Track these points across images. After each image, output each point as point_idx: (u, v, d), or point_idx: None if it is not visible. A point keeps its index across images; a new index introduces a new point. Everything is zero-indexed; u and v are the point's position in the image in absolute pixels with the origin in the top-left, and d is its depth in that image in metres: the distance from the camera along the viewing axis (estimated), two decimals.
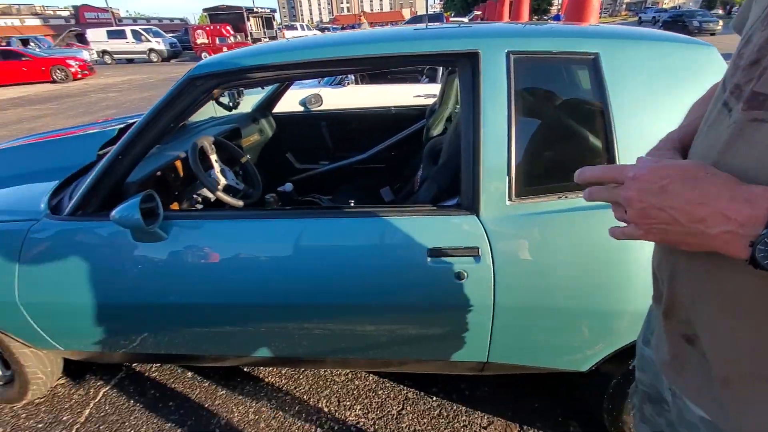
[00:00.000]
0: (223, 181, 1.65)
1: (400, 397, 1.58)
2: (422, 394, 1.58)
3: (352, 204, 1.43)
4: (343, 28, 36.54)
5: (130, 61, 22.65)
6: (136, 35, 22.24)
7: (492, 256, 1.06)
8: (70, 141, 2.06)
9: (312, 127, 2.75)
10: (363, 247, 1.14)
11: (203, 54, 21.46)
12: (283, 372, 1.72)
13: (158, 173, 1.53)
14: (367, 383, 1.65)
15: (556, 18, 22.03)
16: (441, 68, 3.81)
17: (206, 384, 1.67)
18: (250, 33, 25.86)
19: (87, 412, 1.57)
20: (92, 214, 1.25)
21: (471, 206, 1.07)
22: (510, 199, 1.05)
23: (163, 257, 1.19)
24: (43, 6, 45.51)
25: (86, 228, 1.25)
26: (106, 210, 1.21)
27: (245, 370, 1.73)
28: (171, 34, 27.98)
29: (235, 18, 25.23)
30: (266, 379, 1.68)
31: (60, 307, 1.29)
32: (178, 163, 1.68)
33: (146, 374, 1.74)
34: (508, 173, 1.04)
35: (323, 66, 1.17)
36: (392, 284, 1.14)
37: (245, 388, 1.64)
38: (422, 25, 1.33)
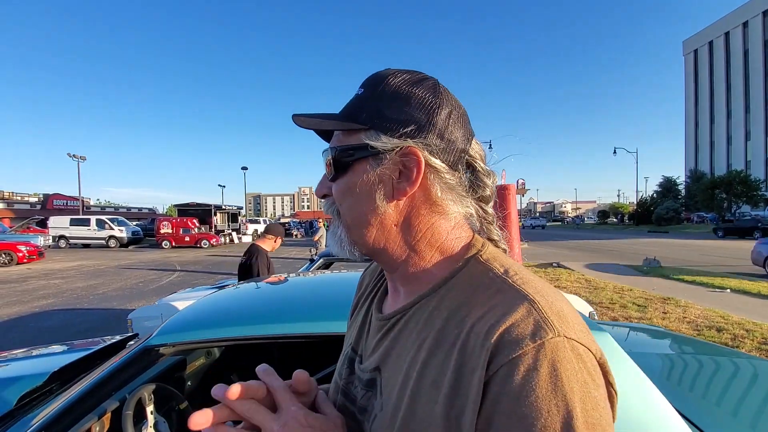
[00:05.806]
0: None
1: None
2: None
3: None
4: (301, 223, 40.11)
5: (86, 246, 22.77)
6: (100, 223, 23.10)
7: None
8: None
9: (262, 350, 2.78)
10: None
11: (164, 243, 22.13)
12: None
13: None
14: None
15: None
16: None
17: None
18: (215, 225, 27.58)
19: None
20: None
21: None
22: None
23: None
24: (11, 192, 46.61)
25: None
26: None
27: None
28: (136, 222, 29.27)
29: (203, 213, 27.02)
30: None
31: None
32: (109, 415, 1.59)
33: None
34: None
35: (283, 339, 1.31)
36: None
37: None
38: None
